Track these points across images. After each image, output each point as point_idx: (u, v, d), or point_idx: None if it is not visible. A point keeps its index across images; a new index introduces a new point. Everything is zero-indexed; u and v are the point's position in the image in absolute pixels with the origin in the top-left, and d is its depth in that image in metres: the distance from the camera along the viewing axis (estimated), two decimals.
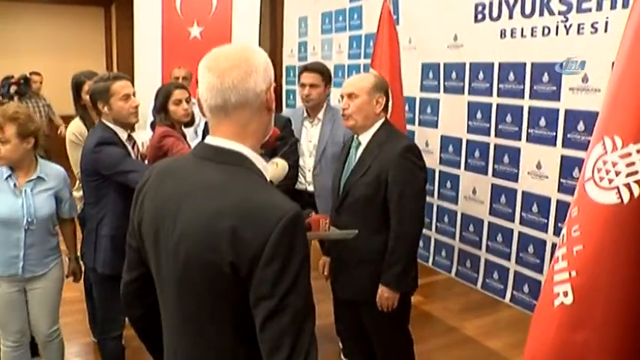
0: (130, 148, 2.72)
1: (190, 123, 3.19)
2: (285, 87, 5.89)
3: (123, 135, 2.67)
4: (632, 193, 2.07)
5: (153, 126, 3.11)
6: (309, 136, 3.21)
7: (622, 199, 2.08)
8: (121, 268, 2.63)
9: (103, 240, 2.67)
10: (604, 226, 2.11)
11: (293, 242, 1.11)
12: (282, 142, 2.61)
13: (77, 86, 3.34)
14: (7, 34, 8.32)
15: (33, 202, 2.59)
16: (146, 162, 2.94)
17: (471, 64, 3.66)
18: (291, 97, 5.79)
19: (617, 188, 2.08)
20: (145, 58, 6.45)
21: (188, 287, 1.20)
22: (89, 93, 2.72)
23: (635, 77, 2.07)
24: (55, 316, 2.85)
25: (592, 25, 2.90)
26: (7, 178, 2.57)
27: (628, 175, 2.07)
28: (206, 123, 3.37)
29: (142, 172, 2.57)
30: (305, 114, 3.28)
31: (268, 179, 1.85)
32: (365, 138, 2.42)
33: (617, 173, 2.09)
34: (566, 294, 2.17)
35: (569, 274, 2.16)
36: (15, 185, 2.57)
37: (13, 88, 4.63)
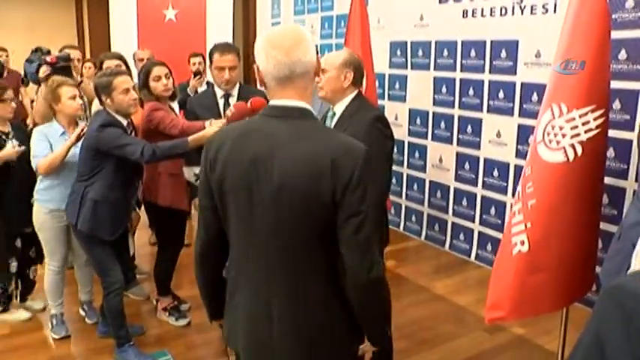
0: (128, 132, 3.03)
1: (172, 97, 3.38)
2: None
3: (123, 122, 3.00)
4: (576, 153, 2.37)
5: (141, 102, 3.30)
6: None
7: (568, 158, 2.37)
8: (96, 229, 3.03)
9: (87, 202, 2.98)
10: (554, 182, 2.41)
11: (369, 171, 1.45)
12: None
13: (100, 65, 3.91)
14: None
15: None
16: (139, 137, 3.14)
17: (436, 42, 3.90)
18: None
19: (564, 149, 2.38)
20: (121, 40, 6.54)
21: (287, 223, 1.46)
22: (94, 87, 3.02)
23: (576, 54, 2.35)
24: None
25: (543, 7, 3.17)
26: (61, 134, 3.20)
27: (572, 136, 2.37)
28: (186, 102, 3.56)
29: (137, 144, 2.85)
30: None
31: None
32: (339, 108, 2.66)
33: (564, 135, 2.38)
34: (522, 243, 2.46)
35: (525, 225, 2.45)
36: (68, 137, 3.18)
37: (43, 70, 3.97)
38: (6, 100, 3.33)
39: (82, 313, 3.69)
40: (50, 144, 3.16)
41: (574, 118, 2.36)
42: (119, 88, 2.92)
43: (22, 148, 3.24)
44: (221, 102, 3.37)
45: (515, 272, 2.49)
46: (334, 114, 2.68)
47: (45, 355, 3.30)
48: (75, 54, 4.57)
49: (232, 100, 3.37)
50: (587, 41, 2.30)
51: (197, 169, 2.61)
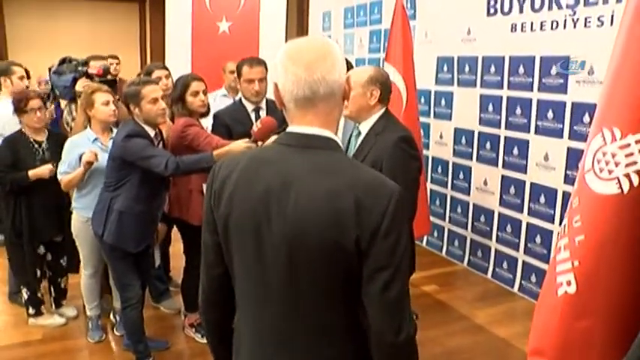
0: (156, 143, 2.91)
1: (206, 114, 3.24)
2: None
3: (151, 132, 2.89)
4: (631, 183, 2.03)
5: (172, 116, 3.17)
6: None
7: (622, 189, 2.03)
8: (122, 241, 2.85)
9: (113, 213, 2.88)
10: (605, 216, 2.07)
11: (403, 215, 1.19)
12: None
13: (147, 74, 3.74)
14: (47, 29, 8.52)
15: None
16: (168, 150, 3.01)
17: (483, 57, 3.60)
18: None
19: (617, 179, 2.04)
20: (175, 53, 6.54)
21: (302, 271, 1.20)
22: (123, 96, 2.91)
23: (631, 69, 2.02)
24: None
25: (598, 19, 2.83)
26: (94, 141, 3.14)
27: (627, 165, 2.03)
28: (215, 115, 3.41)
29: (162, 156, 2.70)
30: None
31: None
32: (365, 127, 2.45)
33: (617, 164, 2.05)
34: (569, 283, 2.13)
35: (572, 263, 2.13)
36: (101, 143, 3.15)
37: (82, 84, 3.55)
38: (30, 110, 3.27)
39: (113, 320, 3.61)
40: (80, 155, 3.07)
41: (629, 144, 2.02)
42: (147, 98, 2.80)
43: (54, 168, 3.20)
44: (252, 115, 3.21)
45: (561, 315, 2.16)
46: (359, 133, 2.47)
47: None
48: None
49: (262, 114, 3.22)
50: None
51: None
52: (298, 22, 6.94)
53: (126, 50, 8.59)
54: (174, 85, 3.17)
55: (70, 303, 3.83)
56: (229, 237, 1.28)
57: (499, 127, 3.52)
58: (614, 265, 2.11)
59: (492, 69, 3.53)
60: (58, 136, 3.50)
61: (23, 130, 3.37)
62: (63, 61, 3.72)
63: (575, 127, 3.00)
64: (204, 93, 3.13)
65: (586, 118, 2.93)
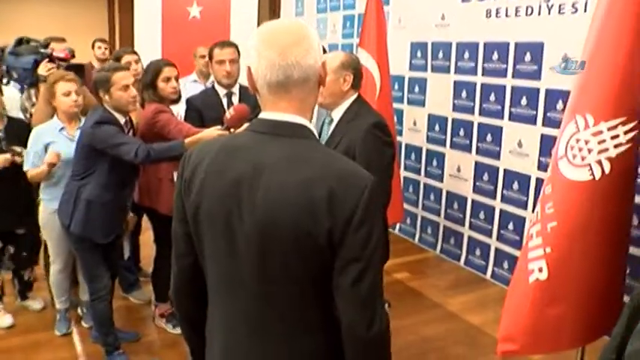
0: (126, 130, 2.82)
1: (177, 100, 3.16)
2: None
3: (121, 119, 2.81)
4: (603, 170, 2.05)
5: (142, 103, 3.09)
6: None
7: (594, 176, 2.05)
8: (90, 231, 2.77)
9: (81, 203, 2.78)
10: (577, 203, 2.09)
11: (377, 206, 1.15)
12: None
13: (116, 59, 3.65)
14: (13, 15, 8.26)
15: None
16: (137, 137, 2.93)
17: (457, 43, 3.59)
18: None
19: (590, 165, 2.06)
20: (145, 38, 6.38)
21: (274, 261, 1.15)
22: (92, 82, 2.82)
23: (604, 57, 2.02)
24: None
25: (572, 5, 2.83)
26: (60, 130, 3.04)
27: (600, 152, 2.05)
28: (187, 100, 3.33)
29: (132, 144, 2.62)
30: None
31: None
32: (337, 114, 2.40)
33: (590, 150, 2.06)
34: (540, 270, 2.15)
35: (544, 250, 2.14)
36: (68, 133, 3.06)
37: (47, 67, 3.36)
38: None
39: (80, 313, 3.53)
40: (46, 144, 2.99)
41: (601, 132, 2.04)
42: (118, 84, 2.71)
43: (11, 158, 3.08)
44: (224, 100, 3.15)
45: (532, 302, 2.18)
46: (332, 120, 2.42)
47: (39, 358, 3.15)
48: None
49: (235, 100, 3.16)
50: (617, 45, 1.98)
51: None
52: (270, 7, 6.86)
53: (93, 35, 8.36)
54: (144, 70, 3.09)
55: (37, 294, 3.74)
56: (200, 226, 1.23)
57: (473, 114, 3.52)
58: (585, 251, 2.13)
59: (466, 55, 3.52)
60: (17, 123, 3.36)
61: None
62: (20, 42, 3.49)
63: (549, 114, 3.00)
64: (176, 79, 3.06)
65: (559, 105, 2.93)
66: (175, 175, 2.59)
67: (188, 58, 4.76)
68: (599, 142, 2.04)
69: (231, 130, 2.56)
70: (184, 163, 1.27)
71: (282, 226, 1.11)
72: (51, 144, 2.99)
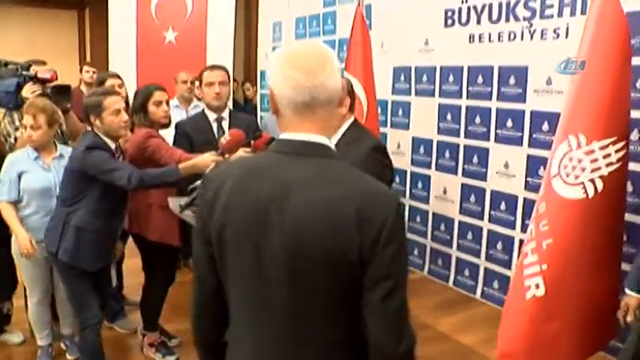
0: (116, 156, 2.80)
1: (167, 125, 3.17)
2: (259, 91, 5.87)
3: (112, 145, 2.76)
4: (596, 188, 2.16)
5: (131, 127, 3.09)
6: None
7: (587, 194, 2.15)
8: (79, 259, 2.74)
9: (70, 230, 2.73)
10: (571, 220, 2.19)
11: (402, 225, 1.20)
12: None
13: (100, 83, 3.62)
14: None
15: (61, 174, 2.96)
16: (126, 162, 2.92)
17: (441, 67, 3.71)
18: (266, 101, 5.79)
19: (583, 184, 2.16)
20: (120, 63, 6.35)
21: (303, 282, 1.17)
22: (83, 106, 2.81)
23: (595, 79, 2.14)
24: None
25: (554, 31, 2.97)
26: (35, 159, 3.02)
27: (592, 170, 2.15)
28: (176, 125, 3.34)
29: (124, 170, 2.62)
30: None
31: None
32: (334, 138, 2.45)
33: (583, 169, 2.17)
34: (537, 286, 2.23)
35: (540, 267, 2.22)
36: (43, 162, 3.03)
37: (31, 89, 3.30)
38: None
39: (64, 347, 3.45)
40: (19, 173, 2.96)
41: (594, 151, 2.14)
42: (109, 109, 2.70)
43: None
44: (214, 125, 3.17)
45: (530, 318, 2.25)
46: None
47: None
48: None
49: (225, 124, 3.18)
50: (605, 68, 2.11)
51: (183, 200, 2.38)
52: (246, 33, 6.95)
53: (64, 60, 8.29)
54: (135, 94, 3.10)
55: (16, 327, 3.64)
56: (224, 248, 1.24)
57: (458, 136, 3.62)
58: (581, 267, 2.22)
59: (451, 78, 3.64)
60: None
61: None
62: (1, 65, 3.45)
63: (534, 135, 3.12)
64: (167, 103, 3.08)
65: (545, 127, 3.05)
66: (172, 201, 2.60)
67: (164, 83, 4.71)
68: (592, 161, 2.15)
69: (226, 155, 2.59)
70: (205, 185, 1.29)
71: (311, 245, 1.14)
72: (24, 173, 2.95)
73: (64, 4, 8.64)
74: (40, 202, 2.97)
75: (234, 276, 1.26)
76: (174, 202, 2.45)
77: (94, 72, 5.30)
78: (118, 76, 3.85)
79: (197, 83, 4.75)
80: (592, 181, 2.16)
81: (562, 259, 2.22)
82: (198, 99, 4.85)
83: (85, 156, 2.66)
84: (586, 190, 2.16)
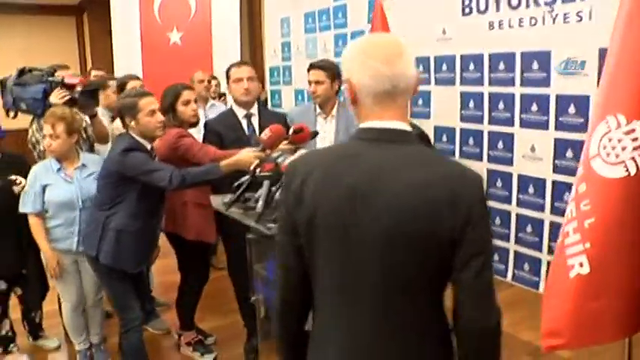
0: (152, 156, 2.93)
1: (196, 124, 3.23)
2: (269, 87, 5.91)
3: (147, 145, 2.80)
4: (637, 166, 2.22)
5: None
6: (323, 132, 3.27)
7: (629, 172, 2.22)
8: (122, 262, 2.86)
9: (109, 232, 2.83)
10: (613, 199, 2.25)
11: (486, 204, 1.28)
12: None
13: (121, 87, 3.64)
14: None
15: (83, 185, 3.08)
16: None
17: (461, 55, 3.76)
18: (276, 97, 5.83)
19: (624, 162, 2.23)
20: (125, 65, 6.42)
21: (396, 265, 1.24)
22: (117, 108, 2.86)
23: (631, 58, 2.21)
24: (100, 285, 3.23)
25: (577, 14, 3.04)
26: (57, 171, 3.06)
27: (634, 149, 2.22)
28: (206, 123, 3.39)
29: (166, 170, 2.68)
30: (318, 110, 3.35)
31: None
32: None
33: (623, 148, 2.23)
34: (581, 265, 2.30)
35: (583, 245, 2.29)
36: (65, 174, 3.08)
37: (60, 94, 3.35)
38: None
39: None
40: (44, 185, 3.04)
41: (634, 130, 2.21)
42: (145, 110, 2.78)
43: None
44: (244, 122, 3.23)
45: (575, 296, 2.32)
46: None
47: None
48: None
49: (254, 120, 3.25)
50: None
51: (227, 198, 2.44)
52: (251, 30, 6.97)
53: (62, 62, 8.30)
54: (162, 94, 3.16)
55: (52, 332, 3.71)
56: (314, 237, 1.31)
57: (482, 123, 3.69)
58: (626, 244, 2.29)
59: (471, 66, 3.70)
60: (14, 159, 3.36)
61: None
62: (22, 72, 3.50)
63: (560, 119, 3.19)
64: (195, 102, 3.14)
65: (571, 109, 3.12)
66: (214, 199, 2.65)
67: (171, 83, 4.81)
68: (633, 140, 2.21)
69: (267, 151, 2.65)
70: (289, 176, 1.35)
71: (405, 228, 1.22)
72: (48, 186, 3.04)
73: (62, 10, 8.65)
74: (64, 214, 3.07)
75: (323, 263, 1.32)
76: (217, 200, 2.50)
77: (216, 85, 5.36)
78: (139, 78, 3.92)
79: (213, 82, 4.84)
80: (633, 159, 2.23)
81: (605, 238, 2.28)
82: (213, 98, 4.91)
83: (123, 158, 2.72)
84: (628, 169, 2.23)
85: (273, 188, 2.19)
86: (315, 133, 2.68)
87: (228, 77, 3.31)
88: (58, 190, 3.04)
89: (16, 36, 8.29)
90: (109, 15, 6.37)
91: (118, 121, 3.70)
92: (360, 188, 1.25)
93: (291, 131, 2.65)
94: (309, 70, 3.28)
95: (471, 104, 3.77)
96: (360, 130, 1.34)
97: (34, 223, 3.07)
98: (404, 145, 1.30)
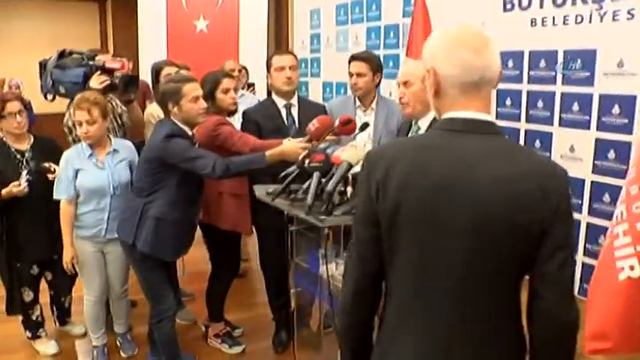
0: (194, 143, 2.90)
1: (234, 112, 3.22)
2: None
3: (189, 132, 2.77)
4: None
5: None
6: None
7: None
8: (160, 251, 2.83)
9: (148, 220, 2.80)
10: None
11: (570, 198, 1.28)
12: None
13: (157, 72, 3.62)
14: (1, 29, 8.20)
15: (115, 171, 3.04)
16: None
17: (500, 52, 3.71)
18: (303, 89, 5.81)
19: None
20: (150, 52, 6.40)
21: (483, 256, 1.24)
22: (160, 93, 2.84)
23: None
24: (126, 277, 3.26)
25: (628, 12, 2.99)
26: (89, 156, 3.02)
27: None
28: (244, 112, 3.36)
29: (208, 158, 2.66)
30: (358, 102, 3.32)
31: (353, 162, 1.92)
32: (424, 123, 2.50)
33: None
34: (632, 268, 2.26)
35: (635, 248, 2.26)
36: (97, 160, 3.03)
37: (100, 79, 3.28)
38: (7, 114, 3.10)
39: (118, 343, 3.51)
40: (76, 170, 3.02)
41: None
42: (189, 96, 2.76)
43: (26, 189, 3.06)
44: (283, 112, 3.21)
45: (624, 300, 2.29)
46: (418, 129, 2.52)
47: None
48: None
49: (294, 111, 3.23)
50: None
51: (271, 188, 2.42)
52: (278, 21, 6.94)
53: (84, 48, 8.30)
54: (202, 82, 3.15)
55: (78, 319, 3.71)
56: (396, 228, 1.29)
57: (519, 121, 3.65)
58: None
59: (510, 63, 3.66)
60: (46, 143, 3.34)
61: (3, 137, 3.18)
62: (62, 54, 3.46)
63: (603, 119, 3.15)
64: (235, 90, 3.13)
65: (615, 110, 3.08)
66: (258, 189, 2.63)
67: (198, 73, 4.80)
68: None
69: (314, 142, 2.63)
70: (371, 166, 1.33)
71: (496, 219, 1.21)
72: (80, 171, 3.02)
73: None
74: (95, 199, 3.04)
75: (403, 253, 1.31)
76: (261, 190, 2.49)
77: (243, 76, 5.33)
78: (175, 64, 3.87)
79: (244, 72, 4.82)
80: None
81: None
82: (242, 88, 4.90)
83: (166, 144, 2.69)
84: None
85: (323, 180, 2.17)
86: (366, 125, 2.64)
87: (269, 65, 3.26)
88: (90, 175, 3.02)
89: (38, 19, 8.33)
90: (134, 2, 6.36)
91: (151, 107, 3.70)
92: (448, 179, 1.24)
93: (337, 122, 2.62)
94: (350, 62, 3.24)
95: (508, 101, 3.73)
96: (444, 120, 1.33)
97: (65, 210, 3.05)
98: (490, 137, 1.29)
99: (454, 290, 1.27)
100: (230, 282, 3.43)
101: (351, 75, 3.22)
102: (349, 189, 2.24)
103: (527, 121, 3.62)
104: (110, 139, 3.15)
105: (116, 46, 8.43)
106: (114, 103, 3.52)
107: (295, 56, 3.26)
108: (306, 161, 2.28)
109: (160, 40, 6.44)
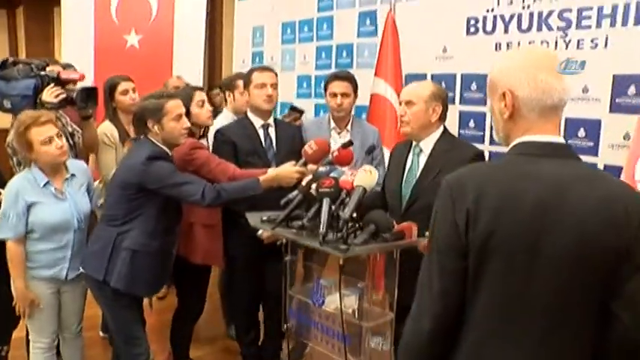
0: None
1: (207, 129, 3.09)
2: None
3: (169, 153, 2.60)
4: None
5: None
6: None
7: None
8: (136, 287, 2.59)
9: (122, 252, 2.55)
10: None
11: None
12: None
13: (111, 88, 3.35)
14: None
15: (77, 201, 2.71)
16: None
17: (462, 74, 3.84)
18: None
19: None
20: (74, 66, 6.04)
21: (579, 281, 1.23)
22: (138, 110, 2.62)
23: None
24: (82, 314, 2.93)
25: (592, 41, 3.18)
26: (45, 185, 2.63)
27: None
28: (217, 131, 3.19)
29: (198, 184, 2.51)
30: (332, 124, 3.25)
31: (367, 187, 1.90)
32: (427, 145, 2.51)
33: None
34: None
35: None
36: (55, 190, 2.66)
37: (53, 92, 2.98)
38: None
39: None
40: (29, 205, 2.61)
41: None
42: (172, 113, 2.56)
43: None
44: (261, 132, 3.08)
45: None
46: (420, 150, 2.54)
47: None
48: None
49: (271, 131, 3.10)
50: None
51: (265, 215, 2.32)
52: (215, 36, 6.75)
53: None
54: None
55: None
56: (488, 257, 1.27)
57: (482, 143, 3.76)
58: None
59: (474, 86, 3.78)
60: None
61: None
62: (4, 64, 3.06)
63: (569, 142, 3.31)
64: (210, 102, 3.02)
65: (581, 133, 3.25)
66: (251, 216, 2.48)
67: None
68: None
69: (309, 166, 2.54)
70: (457, 193, 1.30)
71: (591, 243, 1.22)
72: (35, 204, 2.63)
73: None
74: (57, 236, 2.68)
75: (488, 285, 1.28)
76: (255, 218, 2.37)
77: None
78: (131, 79, 3.61)
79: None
80: None
81: None
82: None
83: (147, 167, 2.48)
84: None
85: (333, 206, 2.10)
86: (350, 143, 2.56)
87: (247, 82, 3.09)
88: (49, 209, 2.64)
89: None
90: (50, 11, 5.99)
91: (103, 126, 3.43)
92: (545, 205, 1.22)
93: (337, 146, 2.56)
94: (331, 82, 3.17)
95: (471, 123, 3.84)
96: (522, 144, 1.32)
97: (13, 250, 2.63)
98: (571, 160, 1.31)
99: (539, 320, 1.26)
100: (197, 319, 3.24)
101: (334, 95, 3.13)
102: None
103: (491, 143, 3.74)
104: (66, 166, 2.77)
105: (29, 56, 7.90)
106: (64, 121, 3.25)
107: (276, 73, 3.13)
108: (312, 186, 2.19)
109: (87, 54, 6.11)
